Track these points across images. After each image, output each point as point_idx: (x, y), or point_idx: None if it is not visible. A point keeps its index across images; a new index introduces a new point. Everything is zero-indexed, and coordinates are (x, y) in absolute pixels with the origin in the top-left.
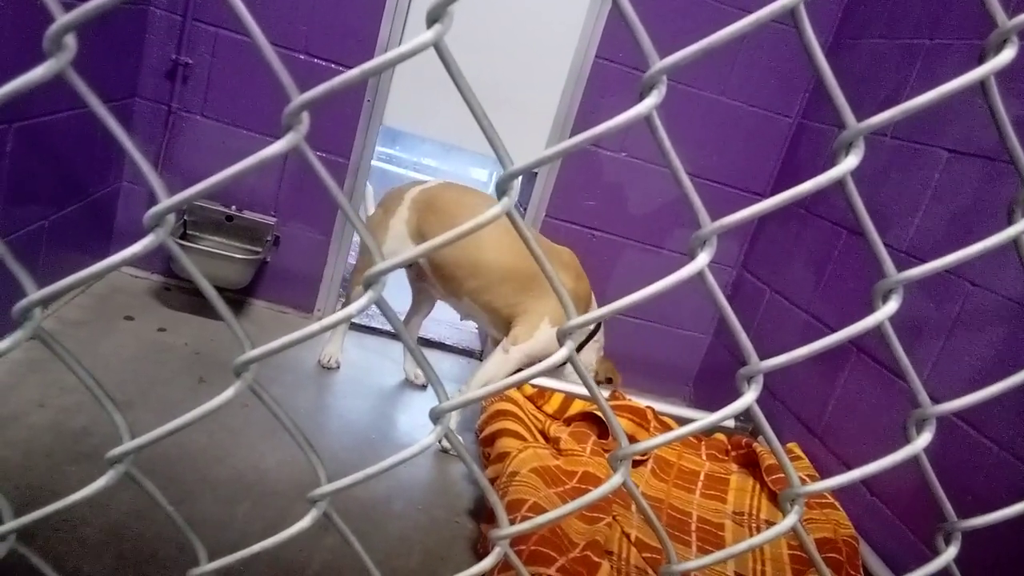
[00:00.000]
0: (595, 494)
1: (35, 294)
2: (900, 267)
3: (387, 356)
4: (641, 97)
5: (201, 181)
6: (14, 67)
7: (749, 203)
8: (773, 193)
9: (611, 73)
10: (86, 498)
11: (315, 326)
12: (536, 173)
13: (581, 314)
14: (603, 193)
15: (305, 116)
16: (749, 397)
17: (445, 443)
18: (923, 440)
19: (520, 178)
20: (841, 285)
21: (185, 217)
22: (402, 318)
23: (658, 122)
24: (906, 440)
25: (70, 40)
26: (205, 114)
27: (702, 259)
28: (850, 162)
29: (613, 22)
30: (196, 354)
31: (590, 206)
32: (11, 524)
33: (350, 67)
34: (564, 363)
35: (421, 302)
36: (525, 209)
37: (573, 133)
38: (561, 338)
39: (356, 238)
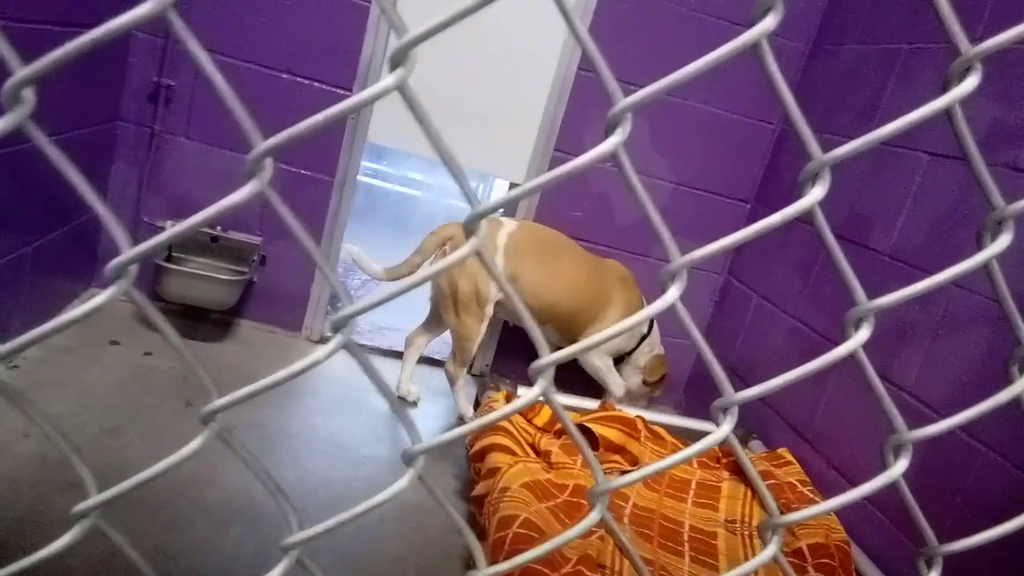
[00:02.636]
0: (572, 533)
1: None
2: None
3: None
4: (607, 134)
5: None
6: None
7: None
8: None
9: (594, 85)
10: (51, 555)
11: (281, 374)
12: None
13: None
14: (590, 203)
15: (268, 163)
16: (725, 429)
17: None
18: (900, 467)
19: (489, 216)
20: (826, 290)
21: None
22: (413, 327)
23: (625, 159)
24: (884, 466)
25: (28, 94)
26: (188, 136)
27: (672, 293)
28: (816, 193)
29: (594, 35)
30: (183, 378)
31: (577, 217)
32: None
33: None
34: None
35: (438, 325)
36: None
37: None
38: (533, 376)
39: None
